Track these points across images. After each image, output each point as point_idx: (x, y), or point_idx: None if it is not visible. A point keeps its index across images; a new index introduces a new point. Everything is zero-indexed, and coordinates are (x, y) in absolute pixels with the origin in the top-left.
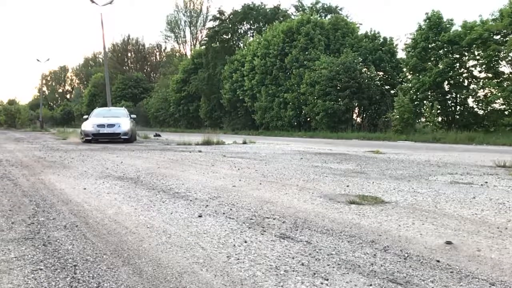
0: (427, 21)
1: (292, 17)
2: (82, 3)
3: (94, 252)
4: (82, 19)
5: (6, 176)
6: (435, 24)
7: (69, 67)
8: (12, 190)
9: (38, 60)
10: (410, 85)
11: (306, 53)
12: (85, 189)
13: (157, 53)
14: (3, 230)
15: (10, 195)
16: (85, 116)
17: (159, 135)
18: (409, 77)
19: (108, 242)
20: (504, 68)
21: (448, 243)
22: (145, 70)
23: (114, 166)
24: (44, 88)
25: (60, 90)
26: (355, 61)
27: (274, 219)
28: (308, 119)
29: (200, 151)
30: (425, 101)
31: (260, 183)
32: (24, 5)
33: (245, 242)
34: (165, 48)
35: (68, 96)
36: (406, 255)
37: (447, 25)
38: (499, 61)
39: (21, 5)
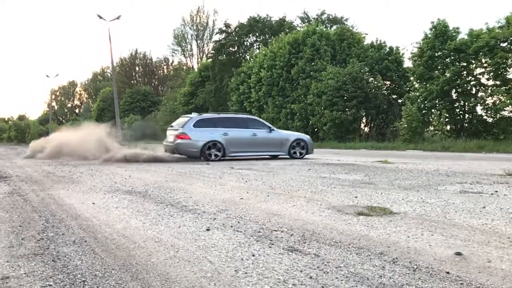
0: (433, 29)
1: (298, 28)
2: (90, 19)
3: (102, 267)
4: (91, 34)
5: (16, 191)
6: (441, 33)
7: (78, 82)
8: (22, 205)
9: (47, 76)
10: (417, 94)
11: (313, 64)
12: (94, 203)
13: (165, 67)
14: (13, 246)
15: (20, 211)
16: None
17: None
18: (416, 86)
19: (117, 257)
20: None
21: (458, 254)
22: (153, 84)
23: (122, 180)
24: (54, 103)
25: (69, 105)
26: (362, 71)
27: (282, 231)
28: (316, 129)
29: (207, 164)
30: (433, 110)
31: (268, 195)
32: (34, 21)
33: (253, 255)
34: (172, 61)
35: (77, 110)
36: (415, 267)
37: (453, 34)
38: (507, 68)
39: (30, 22)
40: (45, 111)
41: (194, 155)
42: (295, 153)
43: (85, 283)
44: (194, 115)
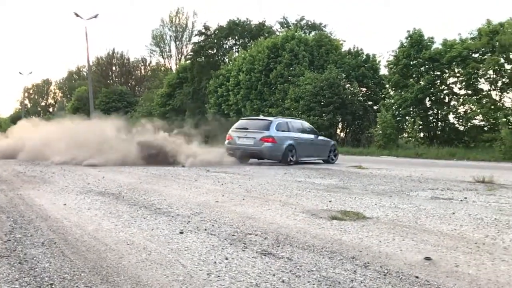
0: (409, 38)
1: (277, 33)
2: (67, 17)
3: (72, 270)
4: (67, 32)
5: None
6: (416, 42)
7: (53, 80)
8: None
9: (20, 73)
10: (392, 101)
11: (291, 68)
12: (65, 204)
13: (142, 67)
14: None
15: None
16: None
17: None
18: (392, 93)
19: (87, 259)
20: (483, 85)
21: (427, 259)
22: (129, 84)
23: (95, 181)
24: (26, 101)
25: (43, 104)
26: (339, 77)
27: (256, 235)
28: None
29: (183, 166)
30: (407, 117)
31: (243, 199)
32: (7, 17)
33: (226, 259)
34: (150, 62)
35: (50, 109)
36: (386, 271)
37: (428, 43)
38: (478, 78)
39: (4, 18)
40: (17, 109)
41: (277, 159)
42: (332, 158)
43: (53, 286)
44: (272, 118)
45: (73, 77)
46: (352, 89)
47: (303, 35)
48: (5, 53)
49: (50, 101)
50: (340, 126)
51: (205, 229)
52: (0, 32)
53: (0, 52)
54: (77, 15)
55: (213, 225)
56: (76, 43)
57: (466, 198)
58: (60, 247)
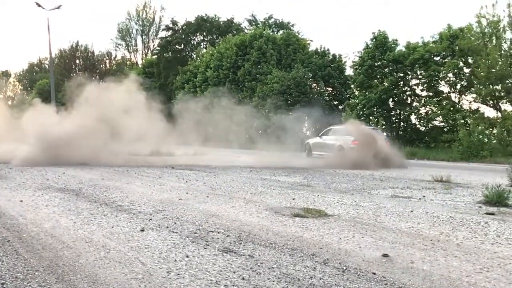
0: (374, 40)
1: (245, 31)
2: (27, 7)
3: (25, 269)
4: (28, 23)
5: None
6: (381, 44)
7: (12, 72)
8: None
9: None
10: (357, 101)
11: (259, 67)
12: (21, 201)
13: (107, 61)
14: None
15: None
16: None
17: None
18: (356, 93)
19: (42, 258)
20: (443, 87)
21: (385, 255)
22: (94, 78)
23: (55, 177)
24: None
25: (1, 96)
26: (305, 76)
27: (218, 232)
28: (260, 131)
29: (147, 162)
30: (371, 117)
31: (208, 196)
32: None
33: (187, 256)
34: (116, 56)
35: (10, 102)
36: (344, 268)
37: (392, 45)
38: (439, 80)
39: None
40: None
41: None
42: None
43: (4, 285)
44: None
45: (34, 69)
46: (318, 88)
47: (271, 33)
48: None
49: (9, 93)
50: (306, 125)
51: (167, 227)
52: None
53: None
54: (39, 5)
55: (175, 223)
56: (38, 34)
57: (424, 196)
58: (14, 245)
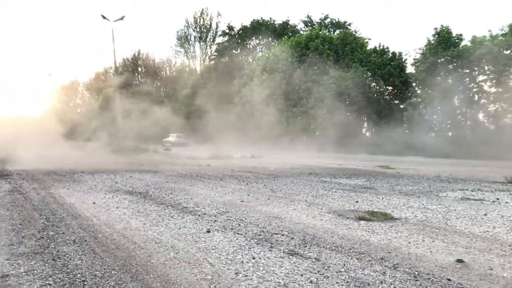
0: (436, 36)
1: (301, 32)
2: (94, 19)
3: (102, 267)
4: (94, 34)
5: (17, 190)
6: (444, 39)
7: (80, 81)
8: (22, 204)
9: (49, 75)
10: (419, 99)
11: (315, 67)
12: (94, 203)
13: (167, 68)
14: (13, 244)
15: (21, 209)
16: None
17: (168, 149)
18: (419, 91)
19: (117, 257)
20: None
21: (459, 261)
22: (155, 85)
23: (123, 180)
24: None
25: (71, 104)
26: (364, 75)
27: (282, 235)
28: (317, 133)
29: (208, 165)
30: (434, 116)
31: (269, 198)
32: (37, 22)
33: (253, 258)
34: (175, 63)
35: (79, 110)
36: (416, 273)
37: (456, 40)
38: (510, 76)
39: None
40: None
41: None
42: None
43: (85, 283)
44: None
45: (100, 78)
46: (378, 87)
47: (327, 33)
48: (35, 55)
49: (78, 101)
50: (365, 126)
51: (232, 228)
52: (30, 35)
53: (30, 55)
54: (104, 17)
55: (239, 225)
56: (103, 44)
57: (498, 199)
58: (91, 245)
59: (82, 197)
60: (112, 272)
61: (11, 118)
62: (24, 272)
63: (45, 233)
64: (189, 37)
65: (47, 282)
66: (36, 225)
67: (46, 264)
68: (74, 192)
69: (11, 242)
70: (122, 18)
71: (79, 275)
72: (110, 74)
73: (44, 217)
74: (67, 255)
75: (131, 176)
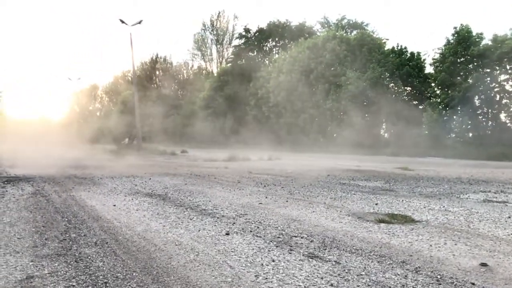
0: (456, 35)
1: (318, 33)
2: (112, 24)
3: (124, 269)
4: (112, 38)
5: (39, 192)
6: (464, 39)
7: (99, 85)
8: (45, 206)
9: (69, 79)
10: (439, 100)
11: (332, 68)
12: (114, 205)
13: (184, 71)
14: (37, 246)
15: (43, 211)
16: None
17: (186, 152)
18: (438, 92)
19: (138, 259)
20: None
21: (483, 264)
22: (172, 88)
23: (142, 183)
24: (75, 106)
25: (91, 108)
26: (382, 76)
27: (301, 237)
28: (334, 135)
29: (226, 168)
30: (454, 117)
31: (287, 201)
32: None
33: (273, 261)
34: (192, 66)
35: (98, 113)
36: (438, 276)
37: (477, 39)
38: None
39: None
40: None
41: None
42: None
43: (107, 284)
44: None
45: (118, 81)
46: (396, 88)
47: (344, 34)
48: (55, 60)
49: (97, 105)
50: (384, 127)
51: (251, 231)
52: (50, 40)
53: (50, 60)
54: (122, 22)
55: (258, 227)
56: (122, 48)
57: None
58: (112, 247)
59: (103, 199)
60: (134, 274)
61: (35, 120)
62: (48, 273)
63: (67, 235)
64: (206, 40)
65: (70, 283)
66: (59, 227)
67: (69, 266)
68: (94, 195)
69: (35, 244)
70: (140, 22)
71: (101, 277)
72: (128, 78)
73: (66, 219)
74: (89, 257)
75: (150, 179)
